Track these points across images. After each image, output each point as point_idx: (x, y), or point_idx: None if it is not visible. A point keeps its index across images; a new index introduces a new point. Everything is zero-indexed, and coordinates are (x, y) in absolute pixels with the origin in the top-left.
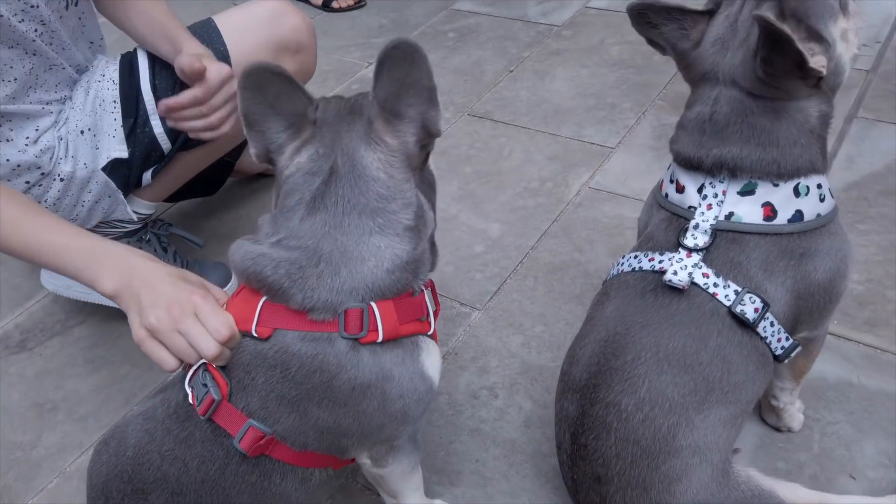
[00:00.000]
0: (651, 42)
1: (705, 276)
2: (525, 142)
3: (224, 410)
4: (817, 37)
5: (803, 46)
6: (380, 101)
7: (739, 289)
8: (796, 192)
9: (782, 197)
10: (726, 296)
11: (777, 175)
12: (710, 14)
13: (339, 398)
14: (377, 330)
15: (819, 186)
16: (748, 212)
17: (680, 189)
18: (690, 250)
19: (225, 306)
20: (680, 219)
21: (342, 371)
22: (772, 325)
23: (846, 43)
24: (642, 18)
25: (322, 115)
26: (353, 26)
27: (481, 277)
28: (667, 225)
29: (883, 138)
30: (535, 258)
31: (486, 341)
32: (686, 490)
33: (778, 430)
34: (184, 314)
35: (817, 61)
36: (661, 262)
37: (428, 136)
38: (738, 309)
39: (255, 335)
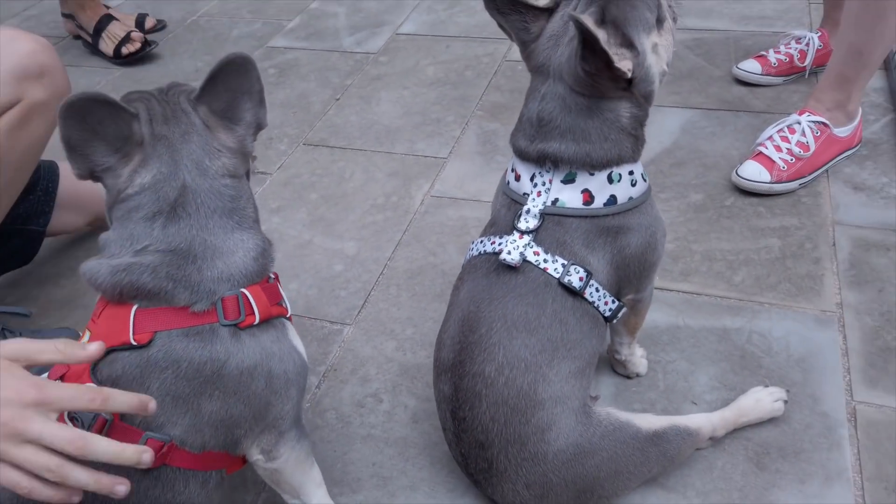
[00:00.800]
0: (500, 26)
1: (536, 253)
2: (363, 163)
3: (118, 429)
4: (629, 44)
5: (613, 50)
6: (217, 110)
7: (566, 262)
8: (610, 180)
9: (598, 184)
10: (555, 269)
11: (591, 166)
12: (550, 12)
13: (229, 386)
14: (254, 313)
15: (631, 173)
16: (570, 197)
17: (517, 178)
18: (523, 232)
19: (86, 338)
20: (517, 204)
21: (230, 357)
22: (597, 290)
23: (656, 56)
24: (492, 3)
25: (148, 129)
26: (168, 74)
27: (346, 294)
28: (507, 210)
29: (667, 120)
30: (394, 267)
31: (361, 352)
32: (557, 436)
33: (628, 377)
34: (24, 418)
35: (624, 64)
36: (500, 244)
37: (258, 131)
38: (566, 279)
39: (135, 343)
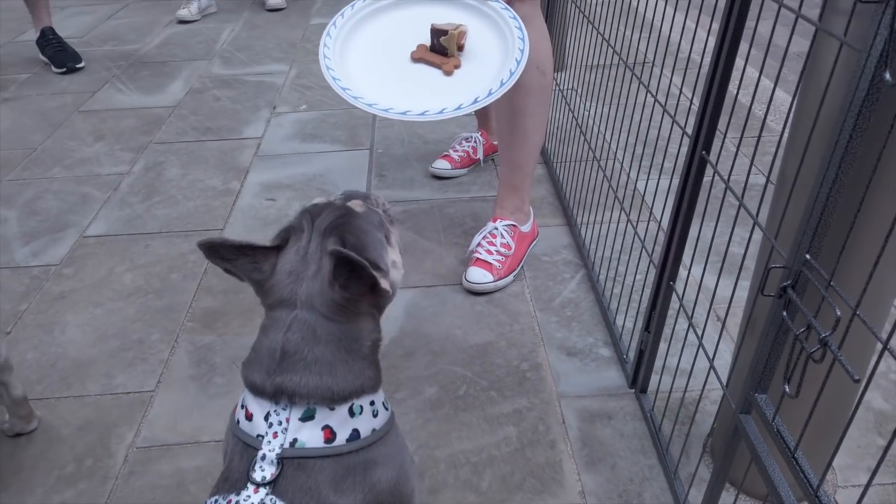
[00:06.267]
0: (227, 271)
1: None
2: (45, 418)
3: None
4: (376, 266)
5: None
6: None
7: None
8: (351, 413)
9: (339, 419)
10: None
11: (332, 400)
12: (279, 249)
13: None
14: None
15: (372, 403)
16: (310, 436)
17: (248, 416)
18: (258, 485)
19: None
20: (251, 448)
21: None
22: None
23: (396, 269)
24: (214, 253)
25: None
26: None
27: None
28: (240, 456)
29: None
30: None
31: None
32: None
33: None
34: None
35: (385, 283)
36: (235, 502)
37: None
38: None
39: None
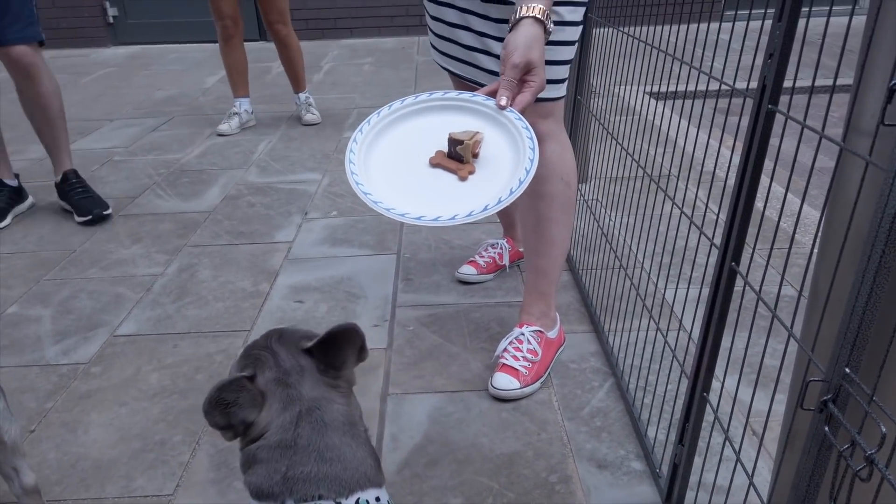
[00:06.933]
0: (223, 429)
1: None
2: None
3: None
4: None
5: None
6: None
7: None
8: None
9: None
10: None
11: (337, 493)
12: (252, 378)
13: None
14: None
15: (377, 500)
16: None
17: None
18: None
19: None
20: None
21: None
22: None
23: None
24: (220, 405)
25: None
26: None
27: None
28: None
29: (415, 410)
30: None
31: None
32: None
33: None
34: None
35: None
36: None
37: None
38: None
39: None
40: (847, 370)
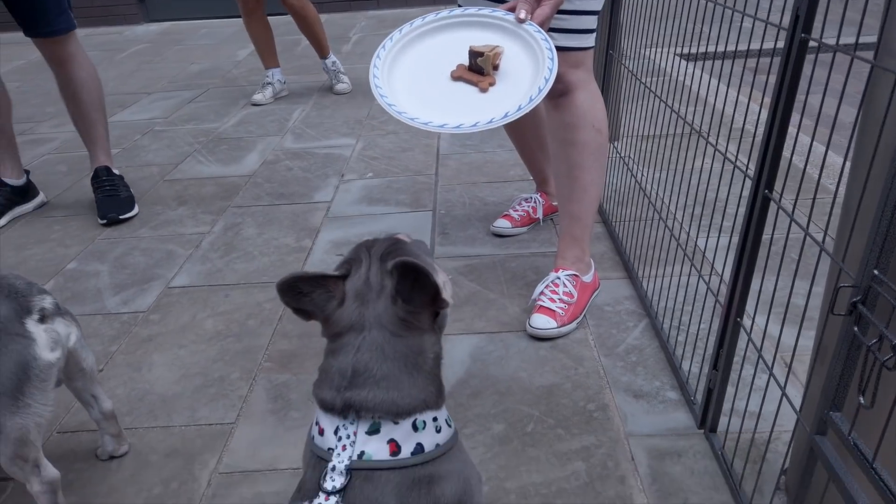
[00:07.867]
0: (297, 310)
1: None
2: (135, 446)
3: None
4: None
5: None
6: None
7: None
8: (415, 427)
9: (403, 433)
10: None
11: (396, 414)
12: (344, 278)
13: None
14: None
15: (435, 419)
16: (377, 449)
17: (321, 431)
18: (329, 493)
19: None
20: (323, 461)
21: None
22: None
23: (447, 288)
24: (293, 290)
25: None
26: None
27: None
28: (314, 468)
29: (456, 350)
30: None
31: None
32: None
33: None
34: None
35: (447, 293)
36: None
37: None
38: None
39: None
40: (876, 272)
